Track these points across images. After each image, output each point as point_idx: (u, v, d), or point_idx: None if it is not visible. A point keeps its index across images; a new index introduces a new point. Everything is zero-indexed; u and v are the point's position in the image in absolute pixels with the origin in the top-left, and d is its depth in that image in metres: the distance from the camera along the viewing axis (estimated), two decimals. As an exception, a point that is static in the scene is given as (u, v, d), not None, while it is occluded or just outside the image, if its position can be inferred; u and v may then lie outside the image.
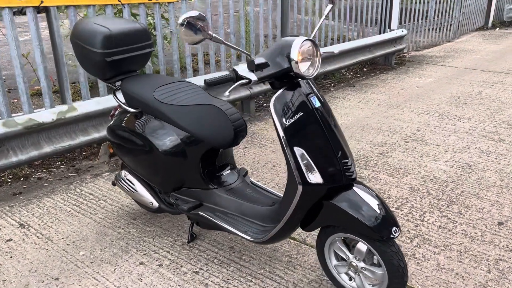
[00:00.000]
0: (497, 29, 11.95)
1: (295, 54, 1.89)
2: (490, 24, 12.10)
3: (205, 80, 1.91)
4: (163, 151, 2.38)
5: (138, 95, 2.48)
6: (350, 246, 2.15)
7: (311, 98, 2.01)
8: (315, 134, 1.97)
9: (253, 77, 1.89)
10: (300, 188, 1.96)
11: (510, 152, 3.98)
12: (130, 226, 2.90)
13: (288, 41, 1.93)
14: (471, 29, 11.30)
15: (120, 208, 3.13)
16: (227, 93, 1.83)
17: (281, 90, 1.97)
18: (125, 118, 2.60)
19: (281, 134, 1.95)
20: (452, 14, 9.81)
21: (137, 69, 2.76)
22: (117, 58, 2.54)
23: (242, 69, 1.91)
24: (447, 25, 9.81)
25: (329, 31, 6.42)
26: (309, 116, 1.97)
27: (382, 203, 2.00)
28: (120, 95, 2.66)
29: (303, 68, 1.93)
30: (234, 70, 1.91)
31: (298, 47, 1.89)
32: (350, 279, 2.21)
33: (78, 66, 3.86)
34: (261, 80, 1.91)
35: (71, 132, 3.45)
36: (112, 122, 2.73)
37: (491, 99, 5.59)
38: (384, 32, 7.54)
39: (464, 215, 2.97)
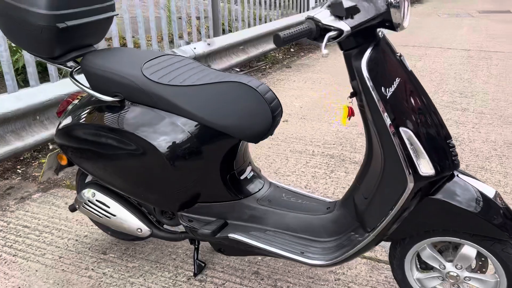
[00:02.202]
0: (389, 9, 12.53)
1: None
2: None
3: (277, 35, 1.23)
4: (168, 153, 1.63)
5: (119, 74, 1.67)
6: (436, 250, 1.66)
7: (402, 59, 1.46)
8: (418, 107, 1.43)
9: (343, 26, 1.27)
10: (411, 185, 1.40)
11: (481, 120, 3.86)
12: (103, 265, 2.07)
13: None
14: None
15: (77, 240, 2.26)
16: (325, 51, 1.19)
17: (370, 49, 1.38)
18: (93, 112, 1.77)
19: (382, 110, 1.36)
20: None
21: (94, 42, 1.93)
22: (73, 24, 1.70)
23: (323, 16, 1.28)
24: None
25: (250, 16, 5.89)
26: (407, 83, 1.42)
27: (497, 192, 1.53)
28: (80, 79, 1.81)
29: (403, 14, 1.36)
30: (312, 18, 1.27)
31: (399, -16, 1.32)
32: (439, 293, 1.71)
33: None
34: (354, 30, 1.30)
35: (-17, 143, 2.42)
36: (65, 120, 1.87)
37: (428, 71, 5.57)
38: (304, 11, 7.24)
39: (487, 192, 2.68)
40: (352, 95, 1.51)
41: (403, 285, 1.73)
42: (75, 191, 2.73)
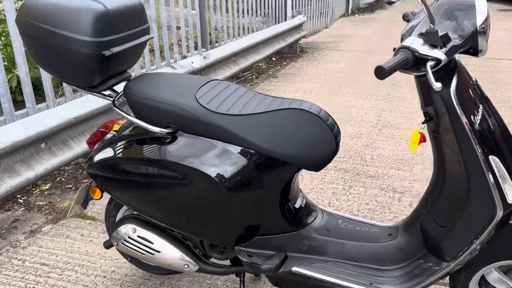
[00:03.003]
0: (356, 15, 12.77)
1: (481, 19, 1.29)
2: (350, 11, 12.87)
3: (382, 67, 1.17)
4: (229, 185, 1.53)
5: (174, 105, 1.56)
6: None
7: (478, 84, 1.44)
8: (500, 133, 1.41)
9: (440, 55, 1.23)
10: (500, 213, 1.37)
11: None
12: (141, 304, 1.94)
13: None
14: (337, 16, 11.84)
15: (105, 277, 2.10)
16: (438, 84, 1.15)
17: (456, 77, 1.35)
18: (140, 143, 1.64)
19: (473, 139, 1.33)
20: (327, 1, 10.06)
21: (128, 67, 1.81)
22: (118, 51, 1.58)
23: (418, 45, 1.23)
24: (325, 12, 10.04)
25: (234, 26, 5.82)
26: (488, 109, 1.40)
27: None
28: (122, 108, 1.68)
29: (487, 40, 1.34)
30: (408, 48, 1.22)
31: (486, 8, 1.29)
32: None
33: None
34: (449, 59, 1.26)
35: (-8, 176, 2.22)
36: (103, 152, 1.73)
37: (412, 80, 5.67)
38: (281, 21, 7.24)
39: None
40: (426, 120, 1.47)
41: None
42: (88, 221, 2.57)
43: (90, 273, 2.13)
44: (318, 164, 1.57)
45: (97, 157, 1.74)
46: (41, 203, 2.76)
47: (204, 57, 4.07)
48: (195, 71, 3.90)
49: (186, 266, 1.78)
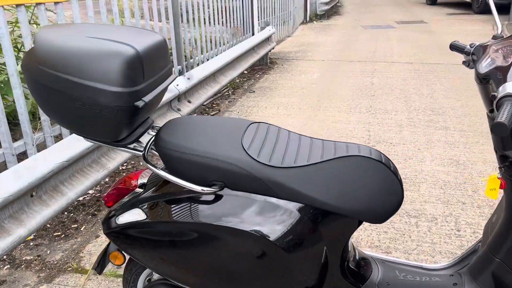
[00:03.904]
0: (315, 22, 12.87)
1: None
2: (308, 18, 12.95)
3: (500, 123, 1.02)
4: (286, 246, 1.35)
5: (218, 159, 1.35)
6: None
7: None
8: None
9: None
10: None
11: (467, 139, 3.97)
12: None
13: None
14: (298, 24, 11.87)
15: None
16: None
17: None
18: (177, 204, 1.42)
19: None
20: (289, 10, 10.04)
21: (150, 114, 1.58)
22: (150, 99, 1.35)
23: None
24: (288, 21, 10.01)
25: (207, 39, 5.61)
26: None
27: None
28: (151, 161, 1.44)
29: None
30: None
31: None
32: None
33: None
34: None
35: (-21, 239, 1.89)
36: (129, 214, 1.48)
37: (390, 88, 5.69)
38: (249, 32, 7.09)
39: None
40: (504, 165, 1.35)
41: None
42: (92, 276, 2.28)
43: None
44: (383, 216, 1.42)
45: (123, 219, 1.50)
46: (28, 258, 2.43)
47: (188, 78, 3.84)
48: (181, 93, 3.66)
49: (230, 335, 1.57)
